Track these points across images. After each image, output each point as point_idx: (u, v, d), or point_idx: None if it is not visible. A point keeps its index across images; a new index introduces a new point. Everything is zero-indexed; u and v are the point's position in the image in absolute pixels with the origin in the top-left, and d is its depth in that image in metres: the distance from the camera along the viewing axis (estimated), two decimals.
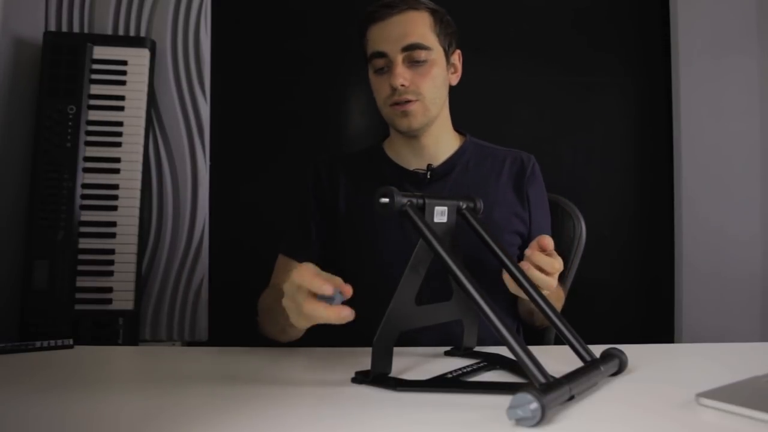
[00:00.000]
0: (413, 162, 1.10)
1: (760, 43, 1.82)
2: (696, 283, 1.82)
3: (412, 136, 1.07)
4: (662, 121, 1.91)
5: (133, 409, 0.64)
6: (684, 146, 1.84)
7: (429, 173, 1.08)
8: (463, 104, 1.78)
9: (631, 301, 1.91)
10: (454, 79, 1.10)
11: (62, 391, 0.69)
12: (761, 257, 1.81)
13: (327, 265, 1.10)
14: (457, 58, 1.10)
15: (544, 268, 0.80)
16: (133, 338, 1.42)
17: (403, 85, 1.00)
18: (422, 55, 1.01)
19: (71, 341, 0.95)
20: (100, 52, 1.47)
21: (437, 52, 1.03)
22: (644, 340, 0.90)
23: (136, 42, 1.52)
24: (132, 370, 0.88)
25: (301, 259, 1.04)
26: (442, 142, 1.10)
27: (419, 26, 1.02)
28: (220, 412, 0.59)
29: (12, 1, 1.44)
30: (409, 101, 1.01)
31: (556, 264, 0.81)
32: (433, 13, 1.04)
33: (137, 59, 1.49)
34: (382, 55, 1.02)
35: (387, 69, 1.02)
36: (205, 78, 1.59)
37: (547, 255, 0.81)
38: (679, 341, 1.82)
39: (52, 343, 0.94)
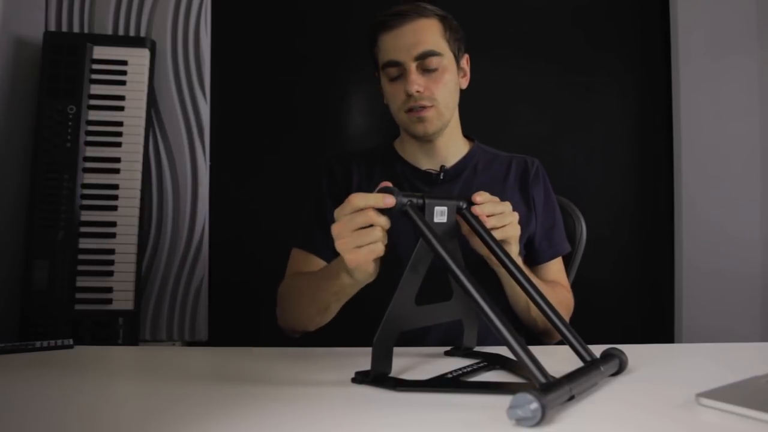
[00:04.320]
0: (425, 163, 1.11)
1: (760, 43, 1.82)
2: (696, 283, 1.82)
3: (427, 140, 1.08)
4: (662, 121, 1.91)
5: (133, 409, 0.64)
6: (684, 146, 1.84)
7: (442, 174, 1.09)
8: (463, 104, 1.78)
9: (631, 301, 1.91)
10: (464, 83, 1.12)
11: (62, 391, 0.69)
12: (761, 257, 1.81)
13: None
14: (465, 62, 1.12)
15: (493, 211, 0.82)
16: (133, 338, 1.42)
17: (418, 92, 1.01)
18: (434, 62, 1.02)
19: (71, 341, 0.95)
20: (100, 52, 1.47)
21: (448, 58, 1.05)
22: (644, 340, 0.90)
23: (136, 42, 1.52)
24: (132, 370, 0.88)
25: (320, 253, 1.05)
26: (452, 146, 1.12)
27: (430, 34, 1.03)
28: (220, 412, 0.59)
29: (12, 1, 1.44)
30: (424, 107, 1.03)
31: (499, 206, 0.83)
32: (442, 20, 1.06)
33: (137, 59, 1.49)
34: (395, 63, 1.03)
35: (401, 77, 1.04)
36: (205, 78, 1.59)
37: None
38: (679, 341, 1.82)
39: (52, 343, 0.94)
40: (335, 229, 0.75)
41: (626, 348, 0.73)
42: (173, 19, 1.58)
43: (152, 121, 1.54)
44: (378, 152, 1.17)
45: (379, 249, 0.74)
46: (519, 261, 0.99)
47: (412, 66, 1.02)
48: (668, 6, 1.90)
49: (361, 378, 0.69)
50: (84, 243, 1.41)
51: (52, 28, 1.55)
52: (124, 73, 1.48)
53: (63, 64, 1.44)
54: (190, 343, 1.54)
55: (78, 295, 1.39)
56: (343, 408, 0.61)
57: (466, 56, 1.12)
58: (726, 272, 1.80)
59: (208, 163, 1.59)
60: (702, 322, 1.80)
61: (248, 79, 1.86)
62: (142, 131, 1.47)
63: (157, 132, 1.55)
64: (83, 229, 1.41)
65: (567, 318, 1.09)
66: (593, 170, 1.91)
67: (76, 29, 1.56)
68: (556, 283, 1.12)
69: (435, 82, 1.03)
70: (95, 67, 1.46)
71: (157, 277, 1.53)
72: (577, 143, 1.91)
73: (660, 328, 1.88)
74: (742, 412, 0.54)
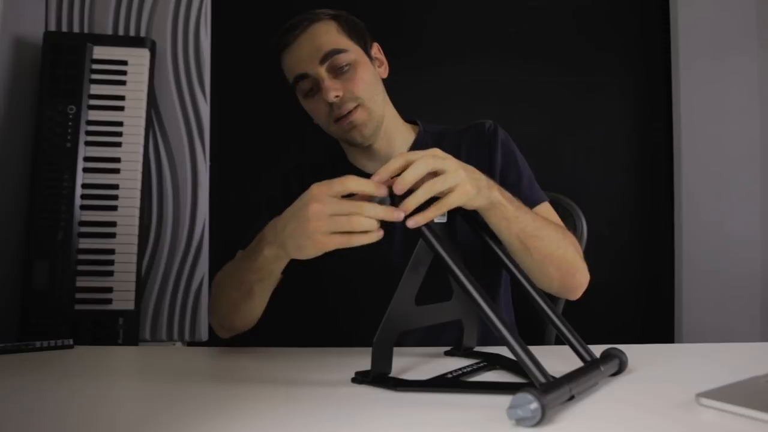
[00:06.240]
0: (373, 167, 1.07)
1: (760, 44, 1.82)
2: (696, 283, 1.82)
3: (367, 145, 1.04)
4: (662, 121, 1.91)
5: (132, 409, 0.64)
6: (684, 146, 1.84)
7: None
8: (463, 104, 1.77)
9: (631, 300, 1.91)
10: (384, 72, 1.08)
11: (62, 391, 0.69)
12: (761, 257, 1.81)
13: (299, 270, 1.04)
14: (377, 50, 1.07)
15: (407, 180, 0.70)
16: (133, 338, 1.42)
17: (337, 97, 0.97)
18: (342, 59, 0.98)
19: (71, 341, 0.95)
20: (100, 52, 1.47)
21: (356, 52, 1.01)
22: (644, 340, 0.89)
23: (136, 42, 1.52)
24: (132, 370, 0.88)
25: None
26: (395, 141, 1.08)
27: (328, 35, 0.99)
28: (220, 412, 0.59)
29: (12, 1, 1.44)
30: (350, 111, 0.98)
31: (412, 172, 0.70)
32: (335, 18, 1.02)
33: (137, 59, 1.49)
34: (304, 76, 0.99)
35: (315, 89, 1.00)
36: (205, 78, 1.59)
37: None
38: (679, 341, 1.82)
39: (52, 343, 0.94)
40: (312, 209, 0.68)
41: (626, 348, 0.73)
42: (173, 19, 1.58)
43: (152, 121, 1.54)
44: (331, 162, 1.14)
45: (357, 240, 0.67)
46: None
47: (322, 72, 0.97)
48: (668, 6, 1.90)
49: (361, 378, 0.69)
50: (84, 243, 1.41)
51: (52, 28, 1.55)
52: (124, 73, 1.48)
53: (63, 64, 1.44)
54: (190, 343, 1.54)
55: (78, 295, 1.39)
56: (343, 408, 0.61)
57: (376, 45, 1.07)
58: (726, 272, 1.80)
59: (208, 163, 1.59)
60: (702, 322, 1.80)
61: (248, 79, 1.86)
62: (142, 131, 1.47)
63: (157, 132, 1.55)
64: (83, 229, 1.41)
65: (581, 248, 0.96)
66: (593, 170, 1.91)
67: (76, 29, 1.55)
68: (560, 226, 1.01)
69: (351, 80, 0.98)
70: (95, 67, 1.46)
71: (157, 277, 1.53)
72: (577, 143, 1.91)
73: (660, 328, 1.88)
74: (742, 412, 0.54)
